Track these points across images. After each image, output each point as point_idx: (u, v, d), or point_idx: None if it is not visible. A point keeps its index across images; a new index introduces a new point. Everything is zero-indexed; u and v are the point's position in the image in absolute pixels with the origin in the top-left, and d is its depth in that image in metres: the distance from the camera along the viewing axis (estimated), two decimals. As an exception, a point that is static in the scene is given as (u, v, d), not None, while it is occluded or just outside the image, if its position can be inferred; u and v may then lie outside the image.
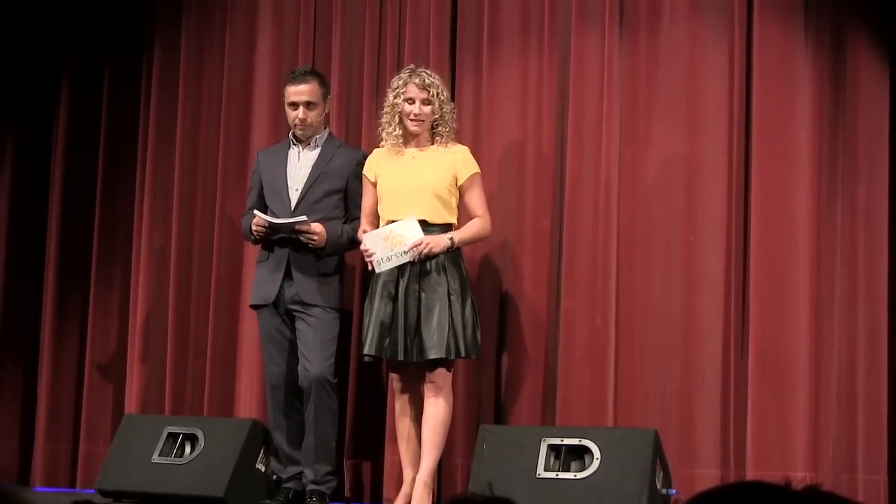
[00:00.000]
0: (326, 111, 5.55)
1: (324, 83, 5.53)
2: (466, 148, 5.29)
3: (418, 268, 5.06)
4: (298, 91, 5.42)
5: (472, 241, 5.26)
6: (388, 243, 5.06)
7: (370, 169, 5.30)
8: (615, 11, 5.54)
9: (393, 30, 6.03)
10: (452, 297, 5.05)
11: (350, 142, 5.91)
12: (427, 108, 5.19)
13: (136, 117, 6.71)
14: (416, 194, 5.12)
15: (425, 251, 5.00)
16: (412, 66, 5.32)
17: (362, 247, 5.14)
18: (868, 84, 5.20)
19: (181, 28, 6.61)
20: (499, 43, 5.80)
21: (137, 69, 6.74)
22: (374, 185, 5.25)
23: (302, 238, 5.26)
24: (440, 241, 5.05)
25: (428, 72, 5.27)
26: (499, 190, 5.67)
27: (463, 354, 5.06)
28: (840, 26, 5.25)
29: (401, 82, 5.24)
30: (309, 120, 5.41)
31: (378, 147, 5.35)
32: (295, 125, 5.43)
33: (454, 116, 5.30)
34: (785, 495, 1.77)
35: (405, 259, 5.03)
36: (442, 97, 5.20)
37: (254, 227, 5.32)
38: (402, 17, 6.02)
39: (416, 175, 5.16)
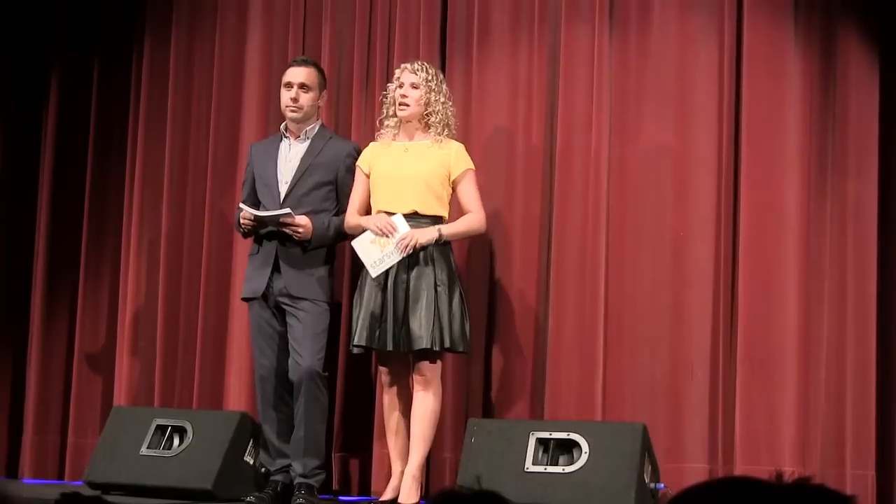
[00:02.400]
0: (320, 104, 5.54)
1: (323, 75, 5.55)
2: (462, 145, 5.29)
3: (407, 258, 5.06)
4: (295, 72, 5.43)
5: (464, 236, 5.26)
6: (376, 245, 5.07)
7: (365, 161, 5.31)
8: (605, 6, 5.54)
9: (383, 24, 6.02)
10: (439, 289, 5.05)
11: (340, 136, 5.90)
12: (414, 93, 5.19)
13: (125, 111, 6.70)
14: (407, 184, 5.13)
15: (412, 244, 5.00)
16: (415, 60, 5.36)
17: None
18: (857, 79, 5.21)
19: (171, 22, 6.59)
20: (489, 37, 5.80)
21: (127, 63, 6.73)
22: (368, 176, 5.26)
23: (287, 231, 5.25)
24: (427, 233, 5.05)
25: (427, 64, 5.29)
26: (488, 183, 5.66)
27: (447, 346, 5.06)
28: (830, 21, 5.25)
29: (398, 70, 5.30)
30: (300, 102, 5.40)
31: (372, 140, 5.38)
32: (286, 107, 5.42)
33: (450, 114, 5.26)
34: (772, 490, 1.77)
35: (397, 257, 5.02)
36: (432, 85, 5.20)
37: (241, 221, 5.32)
38: (391, 11, 6.01)
39: (408, 165, 5.17)
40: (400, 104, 5.20)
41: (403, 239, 5.00)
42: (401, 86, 5.22)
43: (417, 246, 5.01)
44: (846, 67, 5.22)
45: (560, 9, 5.64)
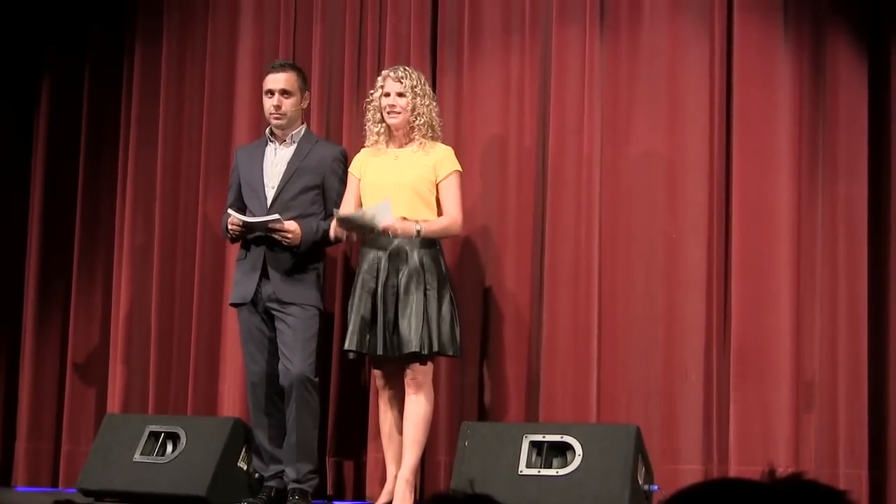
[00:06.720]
0: (304, 106, 5.54)
1: (303, 77, 5.52)
2: (450, 148, 5.29)
3: (396, 263, 5.08)
4: (275, 79, 5.42)
5: (440, 237, 5.23)
6: (359, 222, 5.06)
7: (357, 166, 5.33)
8: (596, 9, 5.54)
9: (374, 27, 6.02)
10: (429, 293, 5.06)
11: (331, 139, 5.91)
12: (402, 101, 5.21)
13: (117, 115, 6.70)
14: (396, 191, 5.13)
15: (390, 226, 4.99)
16: (396, 66, 5.34)
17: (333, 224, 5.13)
18: (847, 80, 5.21)
19: (163, 26, 6.60)
20: (480, 40, 5.80)
21: (119, 67, 6.73)
22: (360, 181, 5.27)
23: (276, 236, 5.24)
24: (406, 228, 5.04)
25: (408, 68, 5.30)
26: (481, 187, 5.67)
27: (437, 349, 5.06)
28: (819, 23, 5.26)
29: (380, 78, 5.29)
30: (283, 108, 5.39)
31: (363, 146, 5.37)
32: (270, 114, 5.42)
33: (434, 115, 5.27)
34: (766, 490, 1.77)
35: (370, 230, 5.02)
36: (417, 90, 5.21)
37: (229, 226, 5.31)
38: (382, 15, 6.01)
39: (397, 173, 5.17)
40: (389, 113, 5.22)
41: (386, 221, 4.99)
42: (387, 95, 5.23)
43: (392, 232, 5.00)
44: (836, 69, 5.23)
45: (551, 12, 5.64)
